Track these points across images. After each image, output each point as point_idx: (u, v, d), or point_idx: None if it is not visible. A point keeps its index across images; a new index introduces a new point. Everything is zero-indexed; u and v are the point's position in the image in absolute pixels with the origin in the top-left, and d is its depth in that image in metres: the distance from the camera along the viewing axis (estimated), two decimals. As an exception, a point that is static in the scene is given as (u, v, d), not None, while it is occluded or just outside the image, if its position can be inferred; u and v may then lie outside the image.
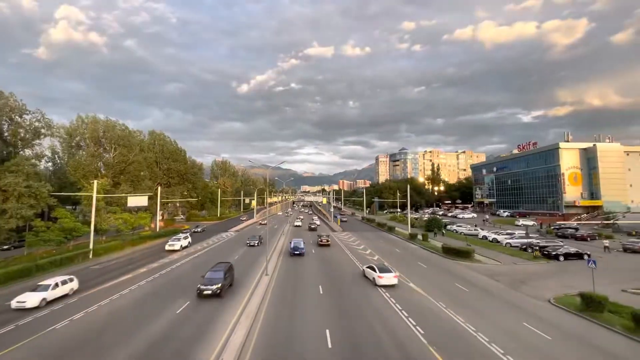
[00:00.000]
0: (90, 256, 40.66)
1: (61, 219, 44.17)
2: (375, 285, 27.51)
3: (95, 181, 46.69)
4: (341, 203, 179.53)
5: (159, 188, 69.89)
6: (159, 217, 70.38)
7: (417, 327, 19.05)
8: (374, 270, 28.51)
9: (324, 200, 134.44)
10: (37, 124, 51.30)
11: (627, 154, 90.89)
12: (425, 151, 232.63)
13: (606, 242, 45.69)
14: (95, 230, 46.25)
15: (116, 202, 54.95)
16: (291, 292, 26.06)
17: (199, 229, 68.54)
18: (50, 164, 72.68)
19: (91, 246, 42.18)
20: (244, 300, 23.80)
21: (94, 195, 44.75)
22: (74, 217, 47.43)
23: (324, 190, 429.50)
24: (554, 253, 40.03)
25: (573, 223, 73.62)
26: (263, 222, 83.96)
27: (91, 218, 44.55)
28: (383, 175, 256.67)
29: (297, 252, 40.84)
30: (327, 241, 49.85)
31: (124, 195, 54.25)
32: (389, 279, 27.37)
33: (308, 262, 37.90)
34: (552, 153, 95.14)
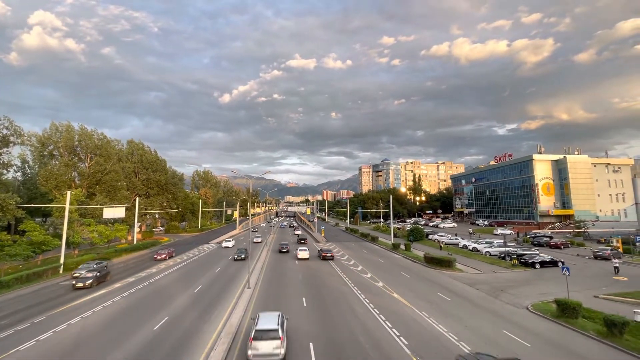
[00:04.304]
0: (61, 271, 38.45)
1: (29, 232, 41.76)
2: (358, 295, 27.47)
3: (69, 192, 44.61)
4: (325, 213, 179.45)
5: (137, 199, 67.62)
6: (136, 229, 67.83)
7: (401, 338, 19.07)
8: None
9: (308, 211, 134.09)
10: (5, 131, 48.80)
11: (595, 166, 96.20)
12: (407, 162, 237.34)
13: (616, 263, 38.09)
14: (67, 244, 43.93)
15: (91, 213, 52.61)
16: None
17: (83, 272, 33.42)
18: (19, 173, 69.01)
19: (62, 260, 39.92)
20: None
21: (67, 206, 42.64)
22: (43, 230, 44.94)
23: (307, 200, 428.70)
24: (530, 261, 41.41)
25: (547, 232, 76.63)
26: None
27: (63, 231, 42.33)
28: (366, 186, 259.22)
29: None
30: None
31: (99, 206, 52.04)
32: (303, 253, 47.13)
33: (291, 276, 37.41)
34: (526, 164, 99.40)
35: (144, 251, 57.07)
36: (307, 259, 46.73)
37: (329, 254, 47.18)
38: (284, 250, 53.72)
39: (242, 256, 45.78)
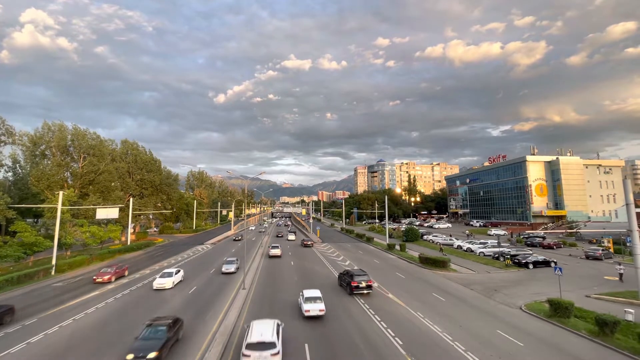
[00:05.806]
0: (53, 272, 37.91)
1: (20, 233, 41.14)
2: (351, 294, 27.58)
3: (61, 192, 44.01)
4: (320, 214, 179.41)
5: (131, 199, 66.98)
6: (130, 230, 67.18)
7: (396, 338, 19.12)
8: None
9: (304, 212, 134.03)
10: (-4, 131, 48.16)
11: (586, 167, 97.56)
12: (402, 163, 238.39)
13: (621, 269, 34.74)
14: (59, 245, 43.32)
15: (83, 214, 51.97)
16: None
17: None
18: (10, 173, 67.91)
19: (54, 262, 39.39)
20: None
21: (59, 207, 42.06)
22: (35, 231, 44.30)
23: (303, 201, 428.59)
24: (524, 261, 41.85)
25: (540, 232, 77.48)
26: None
27: (55, 232, 41.74)
28: (361, 186, 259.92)
29: None
30: None
31: (92, 207, 51.44)
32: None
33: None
34: (519, 165, 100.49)
35: (137, 252, 56.45)
36: (294, 240, 72.59)
37: (309, 242, 63.18)
38: (280, 235, 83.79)
39: (159, 347, 15.87)
